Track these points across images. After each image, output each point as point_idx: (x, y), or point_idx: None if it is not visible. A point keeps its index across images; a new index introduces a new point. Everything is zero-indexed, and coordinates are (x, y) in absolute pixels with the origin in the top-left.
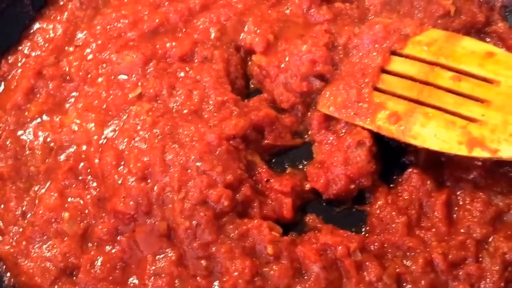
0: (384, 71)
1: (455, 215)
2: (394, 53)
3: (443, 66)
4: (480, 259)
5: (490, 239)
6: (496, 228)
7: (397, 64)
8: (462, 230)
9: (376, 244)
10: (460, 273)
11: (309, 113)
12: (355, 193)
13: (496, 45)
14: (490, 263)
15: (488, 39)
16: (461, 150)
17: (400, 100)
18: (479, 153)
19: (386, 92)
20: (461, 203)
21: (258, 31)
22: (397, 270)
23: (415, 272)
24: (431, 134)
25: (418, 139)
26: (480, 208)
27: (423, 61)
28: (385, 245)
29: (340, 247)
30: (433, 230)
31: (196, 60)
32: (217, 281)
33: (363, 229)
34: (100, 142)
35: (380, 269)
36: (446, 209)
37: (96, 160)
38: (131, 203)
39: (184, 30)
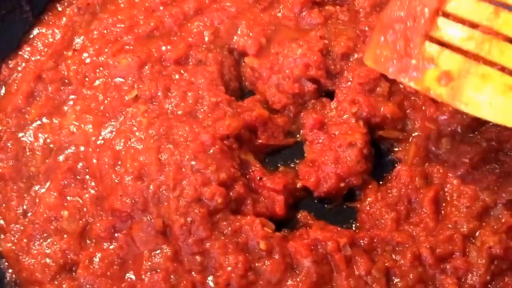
0: (440, 13)
1: (443, 211)
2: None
3: (496, 34)
4: (467, 253)
5: (477, 234)
6: (483, 223)
7: (456, 5)
8: (449, 225)
9: (365, 239)
10: (448, 266)
11: (301, 113)
12: (345, 191)
13: None
14: (477, 257)
15: None
16: None
17: (455, 55)
18: None
19: (440, 43)
20: (448, 199)
21: (251, 34)
22: (386, 264)
23: (404, 266)
24: (486, 101)
25: (469, 105)
26: (467, 203)
27: (488, 1)
28: (375, 240)
29: (330, 242)
30: (421, 225)
31: (190, 63)
32: (211, 276)
33: (354, 225)
34: (98, 143)
35: (369, 263)
36: (434, 205)
37: (94, 160)
38: (127, 201)
39: (178, 33)
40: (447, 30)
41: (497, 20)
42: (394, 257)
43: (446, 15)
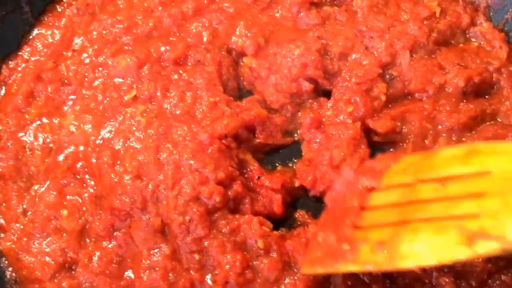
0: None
1: None
2: (371, 189)
3: (425, 181)
4: None
5: None
6: None
7: (375, 199)
8: None
9: None
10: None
11: (299, 113)
12: None
13: (481, 45)
14: None
15: (473, 40)
16: (462, 252)
17: (383, 228)
18: (484, 246)
19: (368, 228)
20: None
21: (249, 34)
22: None
23: None
24: (423, 247)
25: (409, 258)
26: None
27: (403, 185)
28: None
29: None
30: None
31: (189, 63)
32: (209, 274)
33: None
34: (97, 142)
35: None
36: None
37: (93, 160)
38: (126, 200)
39: (177, 34)
40: (372, 217)
41: (413, 192)
42: None
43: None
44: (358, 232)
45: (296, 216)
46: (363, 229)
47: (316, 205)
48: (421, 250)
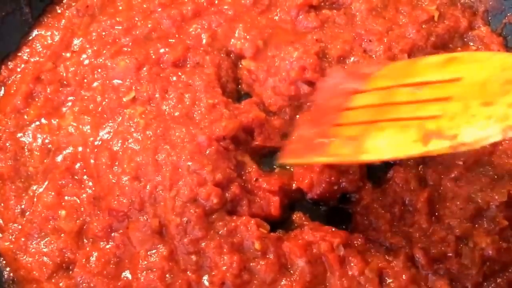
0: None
1: (436, 212)
2: (355, 92)
3: (402, 85)
4: (460, 254)
5: (470, 235)
6: (476, 224)
7: (356, 100)
8: (443, 227)
9: (359, 240)
10: (441, 268)
11: (297, 116)
12: (338, 194)
13: (479, 49)
14: (469, 259)
15: (471, 44)
16: (416, 148)
17: (356, 126)
18: (436, 144)
19: (343, 125)
20: (442, 200)
21: (248, 37)
22: (379, 265)
23: (397, 266)
24: (384, 143)
25: (371, 152)
26: (461, 205)
27: (382, 89)
28: (369, 241)
29: (324, 243)
30: (415, 226)
31: (188, 65)
32: (206, 275)
33: (349, 227)
34: (96, 143)
35: (362, 263)
36: (428, 207)
37: (92, 161)
38: (124, 201)
39: (177, 36)
40: (349, 116)
41: (389, 94)
42: (387, 258)
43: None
44: (334, 129)
45: (293, 218)
46: (338, 126)
47: (313, 207)
48: (382, 146)
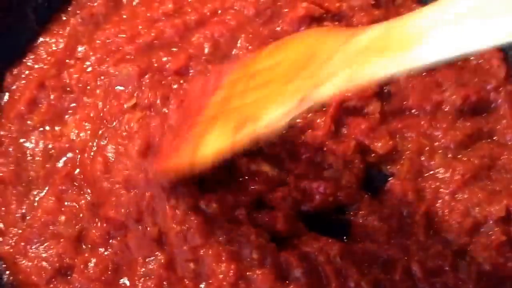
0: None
1: (434, 226)
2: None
3: (240, 79)
4: (457, 268)
5: (467, 249)
6: (473, 239)
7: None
8: (440, 240)
9: (357, 251)
10: (437, 281)
11: None
12: (333, 206)
13: (479, 64)
14: (466, 273)
15: (471, 58)
16: (227, 140)
17: (200, 125)
18: (245, 132)
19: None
20: (440, 214)
21: (250, 47)
22: (376, 277)
23: (393, 279)
24: (211, 139)
25: (203, 152)
26: (458, 219)
27: (229, 84)
28: (366, 253)
29: (321, 253)
30: (413, 239)
31: (190, 74)
32: (204, 283)
33: (346, 238)
34: (93, 149)
35: (359, 275)
36: (425, 220)
37: (88, 167)
38: (122, 210)
39: (179, 44)
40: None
41: (230, 91)
42: (384, 270)
43: None
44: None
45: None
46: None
47: (311, 217)
48: (209, 143)
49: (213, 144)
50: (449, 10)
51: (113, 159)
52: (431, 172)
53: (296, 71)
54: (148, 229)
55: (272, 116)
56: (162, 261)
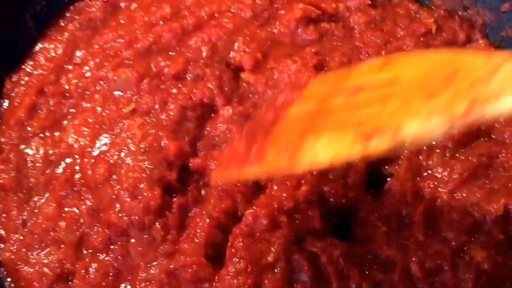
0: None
1: (433, 226)
2: (290, 103)
3: (339, 91)
4: (456, 268)
5: (465, 249)
6: (472, 238)
7: (292, 111)
8: (439, 240)
9: (359, 252)
10: (436, 281)
11: None
12: (345, 208)
13: None
14: (465, 272)
15: None
16: (356, 149)
17: (292, 135)
18: (377, 143)
19: (278, 135)
20: (438, 213)
21: (247, 49)
22: (377, 278)
23: (393, 280)
24: (323, 146)
25: (308, 157)
26: (457, 218)
27: (318, 97)
28: (367, 254)
29: (324, 254)
30: (412, 239)
31: (188, 78)
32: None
33: (346, 238)
34: (93, 154)
35: (360, 277)
36: (424, 220)
37: (89, 172)
38: (125, 218)
39: (177, 48)
40: (282, 127)
41: (324, 102)
42: (383, 271)
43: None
44: (269, 140)
45: None
46: (273, 137)
47: None
48: (320, 150)
49: (322, 152)
50: None
51: (116, 165)
52: (429, 172)
53: (432, 87)
54: (156, 241)
55: (415, 130)
56: (164, 266)
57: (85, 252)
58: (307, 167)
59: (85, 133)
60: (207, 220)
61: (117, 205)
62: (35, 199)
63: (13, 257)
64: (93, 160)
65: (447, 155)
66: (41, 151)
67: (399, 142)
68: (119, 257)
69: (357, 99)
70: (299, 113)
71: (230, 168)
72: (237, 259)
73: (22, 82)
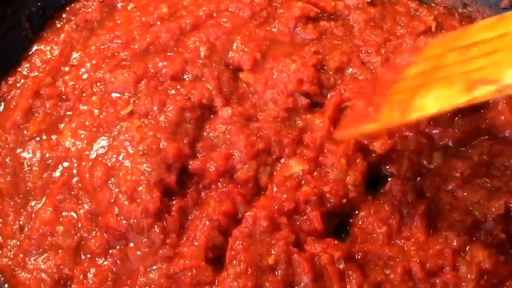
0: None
1: (434, 225)
2: (408, 65)
3: (453, 49)
4: (457, 267)
5: (467, 248)
6: (473, 237)
7: (409, 71)
8: (440, 240)
9: (359, 253)
10: (437, 281)
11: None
12: (346, 208)
13: None
14: (467, 272)
15: None
16: (461, 97)
17: (406, 91)
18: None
19: (394, 93)
20: (439, 213)
21: (246, 49)
22: (377, 279)
23: (394, 280)
24: (431, 99)
25: (417, 110)
26: (458, 218)
27: (434, 56)
28: (368, 254)
29: (325, 255)
30: (412, 239)
31: (187, 79)
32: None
33: (347, 240)
34: (91, 157)
35: (361, 278)
36: (425, 219)
37: (87, 175)
38: (124, 222)
39: (175, 49)
40: (399, 86)
41: (439, 60)
42: (385, 271)
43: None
44: (386, 98)
45: None
46: (388, 97)
47: None
48: (429, 102)
49: (431, 102)
50: None
51: (114, 168)
52: (430, 171)
53: None
54: (156, 245)
55: None
56: (163, 270)
57: (83, 257)
58: (416, 117)
59: (82, 136)
60: (207, 223)
61: (116, 208)
62: (32, 203)
63: (10, 263)
64: (90, 163)
65: (448, 153)
66: (38, 154)
67: (501, 90)
68: (118, 261)
69: (468, 54)
70: (415, 72)
71: (349, 127)
72: (237, 262)
73: (18, 85)
